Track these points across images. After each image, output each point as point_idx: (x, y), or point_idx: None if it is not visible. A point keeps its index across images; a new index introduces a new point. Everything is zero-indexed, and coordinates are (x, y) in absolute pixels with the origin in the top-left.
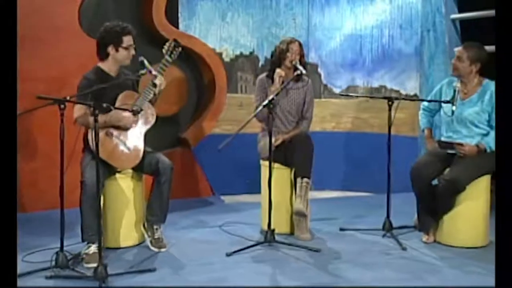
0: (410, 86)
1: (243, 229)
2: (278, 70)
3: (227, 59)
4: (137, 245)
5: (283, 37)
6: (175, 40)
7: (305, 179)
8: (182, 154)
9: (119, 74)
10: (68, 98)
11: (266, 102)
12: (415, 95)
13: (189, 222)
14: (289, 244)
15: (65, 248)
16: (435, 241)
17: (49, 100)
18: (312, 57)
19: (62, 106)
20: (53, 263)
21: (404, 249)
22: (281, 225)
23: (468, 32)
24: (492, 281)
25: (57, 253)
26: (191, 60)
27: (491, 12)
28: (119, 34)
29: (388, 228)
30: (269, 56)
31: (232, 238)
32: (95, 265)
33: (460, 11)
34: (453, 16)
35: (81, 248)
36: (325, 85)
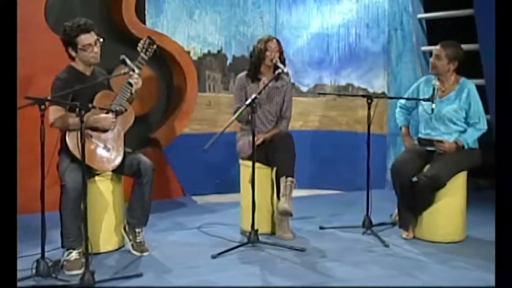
0: (378, 84)
1: (222, 230)
2: (263, 79)
3: (194, 58)
4: (117, 249)
5: (260, 36)
6: (149, 37)
7: (290, 178)
8: (153, 154)
9: (94, 72)
10: (49, 98)
11: (249, 101)
12: (383, 93)
13: (167, 224)
14: (274, 245)
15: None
16: (414, 237)
17: (31, 100)
18: None
19: (42, 106)
20: (34, 271)
21: (386, 246)
22: (262, 225)
23: (433, 32)
24: (478, 275)
25: (37, 260)
26: (161, 58)
27: (457, 12)
28: (72, 36)
29: (368, 225)
30: (237, 55)
31: (213, 239)
32: (77, 272)
33: (425, 11)
34: (420, 15)
35: (54, 255)
36: (293, 84)
